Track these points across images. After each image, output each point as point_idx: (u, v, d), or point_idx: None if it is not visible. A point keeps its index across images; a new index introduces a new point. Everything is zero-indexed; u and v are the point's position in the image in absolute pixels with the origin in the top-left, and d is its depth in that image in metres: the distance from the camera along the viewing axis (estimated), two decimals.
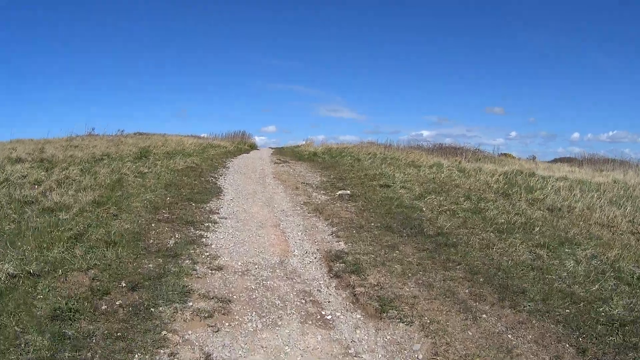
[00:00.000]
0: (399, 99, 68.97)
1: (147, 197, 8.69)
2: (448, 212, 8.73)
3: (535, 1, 61.79)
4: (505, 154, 26.15)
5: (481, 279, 5.56)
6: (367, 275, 5.72)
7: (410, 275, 5.72)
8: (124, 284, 5.17)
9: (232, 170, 13.84)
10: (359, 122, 66.54)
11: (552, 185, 11.69)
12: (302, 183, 11.83)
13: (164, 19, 63.28)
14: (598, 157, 23.13)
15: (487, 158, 22.54)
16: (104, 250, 5.91)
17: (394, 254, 6.48)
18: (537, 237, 7.22)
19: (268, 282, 5.53)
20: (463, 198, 9.91)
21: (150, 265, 5.64)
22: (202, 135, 29.53)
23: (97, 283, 5.19)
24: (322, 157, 20.50)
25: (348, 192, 10.69)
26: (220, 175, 12.49)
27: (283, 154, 22.98)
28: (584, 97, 64.88)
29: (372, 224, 7.96)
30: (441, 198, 9.89)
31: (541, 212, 8.98)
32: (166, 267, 5.61)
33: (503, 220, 8.09)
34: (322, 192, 10.83)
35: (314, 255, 6.53)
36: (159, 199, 8.65)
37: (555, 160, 28.25)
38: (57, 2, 57.88)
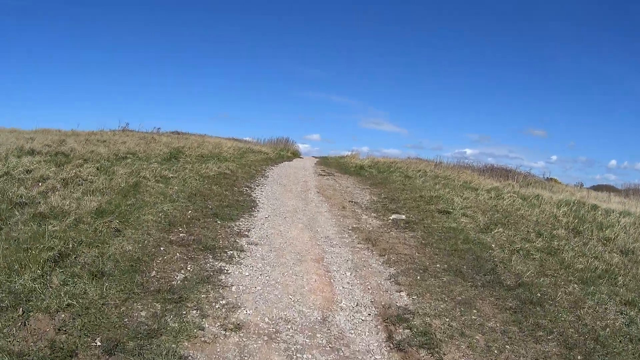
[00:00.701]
0: (441, 114, 67.32)
1: (165, 208, 7.12)
2: (521, 252, 7.12)
3: (578, 27, 59.26)
4: (551, 179, 24.44)
5: (579, 357, 4.32)
6: (443, 353, 3.99)
7: (496, 351, 4.21)
8: (98, 343, 3.58)
9: (271, 180, 12.20)
10: (400, 136, 65.14)
11: (618, 221, 10.02)
12: (349, 201, 10.06)
13: (211, 27, 63.28)
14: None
15: (537, 183, 21.03)
16: (86, 283, 4.32)
17: (472, 316, 4.83)
18: (622, 290, 6.02)
19: (304, 356, 3.78)
20: (533, 234, 8.29)
21: (143, 314, 3.99)
22: (246, 138, 28.29)
23: (63, 337, 3.61)
24: (369, 171, 18.74)
25: (403, 216, 8.86)
26: (257, 186, 10.87)
27: (327, 164, 21.28)
28: (622, 124, 62.52)
29: (438, 265, 6.14)
30: (510, 232, 8.14)
31: (617, 255, 7.61)
32: (164, 319, 3.95)
33: (582, 266, 6.79)
34: (372, 214, 9.03)
35: (368, 311, 4.74)
36: (178, 212, 7.06)
37: (595, 188, 27.39)
38: None
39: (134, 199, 7.44)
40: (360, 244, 6.85)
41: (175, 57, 64.22)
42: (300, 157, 26.81)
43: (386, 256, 6.29)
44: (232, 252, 5.77)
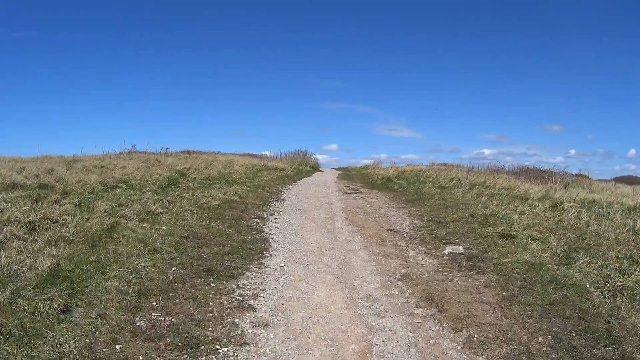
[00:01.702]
0: (456, 116, 65.21)
1: (140, 264, 5.08)
2: (625, 294, 5.01)
3: (590, 19, 56.63)
4: (580, 175, 22.26)
5: None
6: None
7: None
8: None
9: (288, 204, 10.08)
10: (418, 141, 62.98)
11: None
12: (387, 230, 7.87)
13: (221, 43, 61.79)
14: None
15: (574, 182, 18.71)
16: None
17: None
18: None
19: None
20: (625, 260, 6.08)
21: None
22: (263, 153, 26.33)
23: None
24: (397, 183, 16.56)
25: (460, 248, 6.67)
26: (271, 215, 8.76)
27: (350, 177, 19.14)
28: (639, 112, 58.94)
29: (541, 340, 3.95)
30: (597, 262, 5.95)
31: None
32: None
33: None
34: (420, 247, 6.84)
35: None
36: (157, 272, 4.98)
37: (616, 180, 25.86)
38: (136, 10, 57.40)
39: (104, 251, 5.41)
40: (420, 307, 4.61)
41: (188, 76, 62.89)
42: (320, 171, 24.71)
43: (464, 331, 4.07)
44: (226, 348, 3.61)
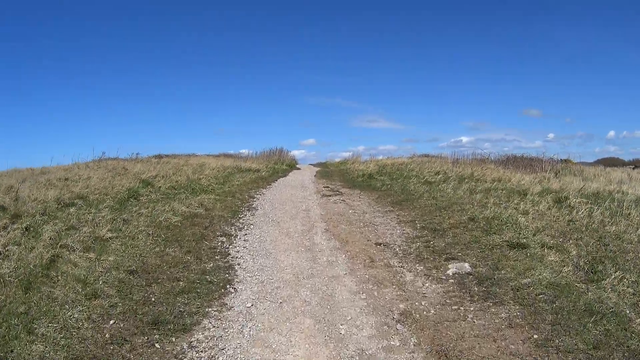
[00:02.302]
0: (434, 106, 64.58)
1: (74, 316, 3.91)
2: None
3: (567, 2, 56.02)
4: (567, 161, 21.66)
5: None
6: None
7: None
8: None
9: (260, 214, 8.82)
10: (396, 131, 62.25)
11: None
12: (376, 244, 6.68)
13: (199, 37, 59.67)
14: None
15: (565, 169, 18.15)
16: None
17: None
18: None
19: None
20: None
21: None
22: (241, 151, 25.08)
23: None
24: (379, 179, 15.43)
25: (467, 266, 5.54)
26: (240, 230, 7.51)
27: (329, 175, 17.93)
28: (617, 93, 58.16)
29: None
30: (632, 278, 4.90)
31: None
32: None
33: None
34: (418, 267, 5.67)
35: None
36: (91, 328, 3.78)
37: (598, 162, 26.30)
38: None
39: (37, 296, 4.20)
40: None
41: (165, 75, 60.85)
42: (298, 168, 23.48)
43: None
44: None
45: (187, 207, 8.43)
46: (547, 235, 6.57)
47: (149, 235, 6.56)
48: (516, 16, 58.81)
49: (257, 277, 5.30)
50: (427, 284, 5.10)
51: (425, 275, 5.40)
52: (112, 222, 6.98)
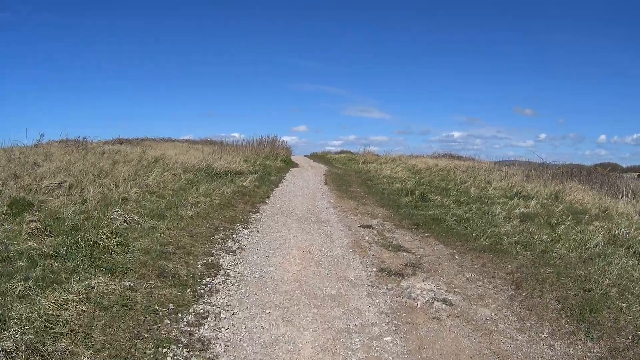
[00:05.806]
0: (428, 98, 62.72)
1: None
2: None
3: (564, 3, 54.85)
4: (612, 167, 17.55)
5: None
6: None
7: None
8: None
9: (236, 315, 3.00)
10: (388, 122, 61.30)
11: None
12: None
13: (192, 21, 55.32)
14: None
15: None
16: None
17: None
18: None
19: None
20: None
21: None
22: (233, 135, 19.82)
23: None
24: (434, 200, 9.60)
25: None
26: None
27: (345, 183, 11.78)
28: (611, 98, 58.20)
29: None
30: None
31: None
32: None
33: None
34: None
35: None
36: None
37: (596, 167, 22.71)
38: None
39: None
40: None
41: (153, 55, 55.42)
42: (295, 164, 17.41)
43: None
44: None
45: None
46: None
47: None
48: (514, 14, 56.74)
49: None
50: None
51: None
52: None
